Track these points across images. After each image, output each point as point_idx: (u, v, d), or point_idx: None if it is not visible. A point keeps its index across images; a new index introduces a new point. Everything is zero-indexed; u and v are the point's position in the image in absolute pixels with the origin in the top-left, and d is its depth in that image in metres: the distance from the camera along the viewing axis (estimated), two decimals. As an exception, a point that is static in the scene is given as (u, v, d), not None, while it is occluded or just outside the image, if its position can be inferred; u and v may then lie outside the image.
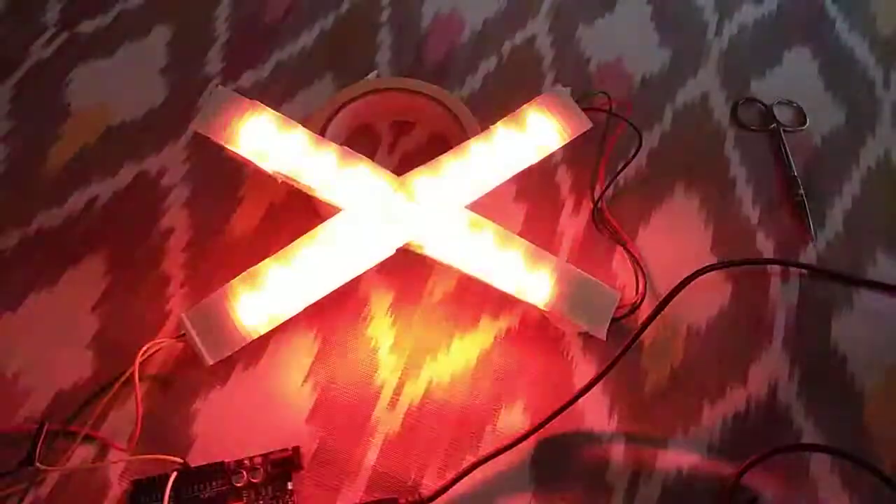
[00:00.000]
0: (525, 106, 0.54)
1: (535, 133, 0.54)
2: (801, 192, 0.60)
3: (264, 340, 0.50)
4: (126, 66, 0.65)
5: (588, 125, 0.54)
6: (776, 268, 0.57)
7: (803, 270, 0.57)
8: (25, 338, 0.50)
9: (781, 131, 0.64)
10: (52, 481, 0.45)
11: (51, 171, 0.58)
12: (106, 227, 0.55)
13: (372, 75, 0.63)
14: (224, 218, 0.56)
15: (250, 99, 0.51)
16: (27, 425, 0.46)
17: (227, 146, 0.50)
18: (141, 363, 0.47)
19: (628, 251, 0.56)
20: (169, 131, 0.60)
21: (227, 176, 0.58)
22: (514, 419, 0.49)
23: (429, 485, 0.47)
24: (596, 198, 0.59)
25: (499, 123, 0.53)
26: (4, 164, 0.58)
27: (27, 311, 0.51)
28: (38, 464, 0.43)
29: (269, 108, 0.51)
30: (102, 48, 0.65)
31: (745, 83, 0.68)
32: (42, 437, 0.44)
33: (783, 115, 0.66)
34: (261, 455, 0.46)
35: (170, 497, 0.43)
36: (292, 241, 0.48)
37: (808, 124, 0.65)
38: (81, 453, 0.46)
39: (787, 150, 0.63)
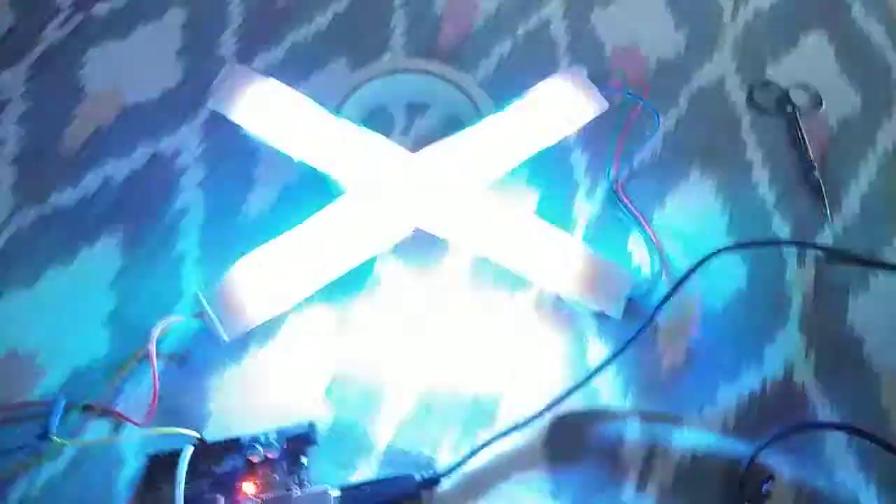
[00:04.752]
0: (540, 85, 0.54)
1: (551, 113, 0.53)
2: (818, 174, 0.60)
3: (279, 318, 0.50)
4: (141, 48, 0.65)
5: (605, 105, 0.54)
6: (792, 249, 0.57)
7: (819, 252, 0.57)
8: (41, 315, 0.50)
9: (797, 115, 0.64)
10: (69, 456, 0.46)
11: (66, 151, 0.58)
12: (121, 206, 0.55)
13: (386, 58, 0.63)
14: (240, 197, 0.56)
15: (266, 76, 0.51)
16: (43, 401, 0.47)
17: (242, 124, 0.50)
18: (156, 340, 0.47)
19: (644, 233, 0.56)
20: (184, 113, 0.60)
21: (243, 156, 0.58)
22: (528, 397, 0.49)
23: (443, 461, 0.47)
24: (611, 180, 0.58)
25: (514, 103, 0.53)
26: (20, 145, 0.58)
27: (43, 289, 0.52)
28: (54, 438, 0.44)
29: (286, 86, 0.51)
30: (117, 30, 0.65)
31: (761, 67, 0.67)
32: (58, 411, 0.45)
33: (799, 98, 0.65)
34: (276, 430, 0.46)
35: (185, 471, 0.43)
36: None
37: (824, 108, 0.65)
38: (98, 429, 0.47)
39: (804, 134, 0.62)
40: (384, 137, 0.52)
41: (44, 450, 0.45)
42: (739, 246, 0.54)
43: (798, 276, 0.56)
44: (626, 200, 0.57)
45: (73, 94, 0.61)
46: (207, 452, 0.45)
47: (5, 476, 0.44)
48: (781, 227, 0.58)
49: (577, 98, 0.54)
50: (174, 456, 0.44)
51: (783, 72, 0.67)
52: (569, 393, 0.48)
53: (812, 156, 0.61)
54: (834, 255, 0.57)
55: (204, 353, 0.50)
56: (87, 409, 0.46)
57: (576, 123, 0.54)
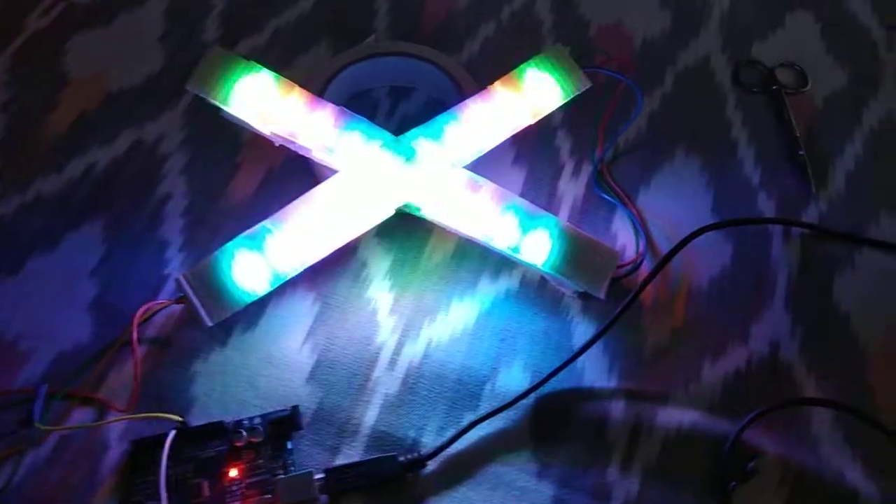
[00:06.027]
0: (523, 65, 0.54)
1: (533, 91, 0.53)
2: (803, 152, 0.60)
3: (263, 303, 0.51)
4: (124, 34, 0.64)
5: (587, 84, 0.54)
6: (778, 227, 0.57)
7: (805, 230, 0.56)
8: (25, 302, 0.50)
9: (783, 93, 0.64)
10: (52, 442, 0.45)
11: (49, 138, 0.58)
12: (104, 193, 0.55)
13: (370, 40, 0.63)
14: (222, 183, 0.56)
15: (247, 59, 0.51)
16: (27, 388, 0.46)
17: (222, 106, 0.49)
18: (140, 326, 0.48)
19: (629, 212, 0.56)
20: (167, 98, 0.60)
21: (225, 142, 0.58)
22: (513, 378, 0.49)
23: (428, 443, 0.47)
24: (596, 160, 0.58)
25: (496, 83, 0.53)
26: (3, 132, 0.58)
27: (27, 275, 0.51)
28: (37, 424, 0.44)
29: (266, 68, 0.51)
30: (100, 17, 0.65)
31: (747, 46, 0.67)
32: (41, 398, 0.45)
33: (785, 77, 0.65)
34: (260, 415, 0.46)
35: (169, 456, 0.43)
36: (290, 204, 0.48)
37: (809, 86, 0.65)
38: (81, 415, 0.47)
39: (790, 112, 0.62)
40: (368, 120, 0.51)
41: (27, 437, 0.45)
42: (724, 224, 0.54)
43: (784, 254, 0.55)
44: (610, 180, 0.57)
45: (57, 82, 0.61)
46: (191, 437, 0.45)
47: (-11, 462, 0.45)
48: (767, 205, 0.58)
49: (559, 75, 0.54)
50: (158, 441, 0.44)
51: (769, 50, 0.67)
52: (554, 373, 0.48)
53: (798, 134, 0.61)
54: (819, 233, 0.57)
55: (187, 338, 0.49)
56: (70, 395, 0.46)
57: (558, 102, 0.54)
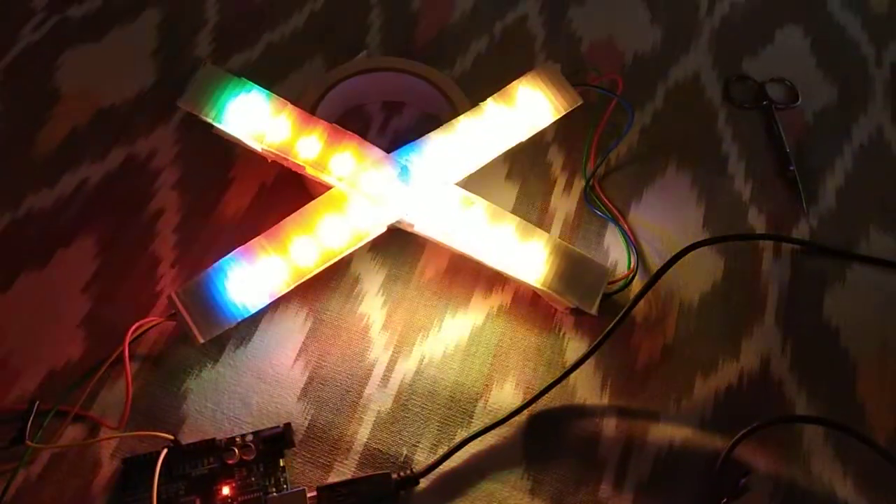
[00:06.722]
0: (515, 82, 0.54)
1: (525, 108, 0.53)
2: (794, 168, 0.60)
3: (256, 319, 0.51)
4: (116, 49, 0.64)
5: (578, 101, 0.54)
6: (768, 243, 0.57)
7: (796, 245, 0.57)
8: (17, 318, 0.50)
9: (774, 108, 0.64)
10: (44, 460, 0.45)
11: (41, 153, 0.58)
12: (96, 208, 0.55)
13: (362, 55, 0.63)
14: (215, 199, 0.56)
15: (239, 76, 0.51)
16: (18, 405, 0.46)
17: (214, 123, 0.49)
18: (132, 343, 0.47)
19: (620, 228, 0.56)
20: (159, 114, 0.60)
21: (218, 157, 0.58)
22: (505, 395, 0.49)
23: (421, 460, 0.47)
24: (588, 176, 0.58)
25: (489, 99, 0.53)
26: (-5, 148, 0.58)
27: (18, 292, 0.51)
28: (28, 442, 0.43)
29: (258, 85, 0.51)
30: (92, 32, 0.65)
31: (737, 61, 0.68)
32: (33, 415, 0.45)
33: (775, 92, 0.66)
34: (252, 433, 0.46)
35: (161, 474, 0.43)
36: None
37: (800, 101, 0.65)
38: (72, 433, 0.46)
39: (780, 127, 0.63)
40: (360, 136, 0.51)
41: (19, 454, 0.44)
42: (715, 240, 0.54)
43: (774, 270, 0.56)
44: (602, 196, 0.58)
45: (48, 97, 0.61)
46: (183, 455, 0.45)
47: (-21, 481, 0.44)
48: (758, 220, 0.58)
49: (551, 92, 0.54)
50: (150, 459, 0.44)
51: (759, 66, 0.67)
52: (546, 390, 0.48)
53: (788, 149, 0.61)
54: (810, 248, 0.57)
55: (179, 354, 0.49)
56: (61, 412, 0.46)
57: (549, 119, 0.54)
